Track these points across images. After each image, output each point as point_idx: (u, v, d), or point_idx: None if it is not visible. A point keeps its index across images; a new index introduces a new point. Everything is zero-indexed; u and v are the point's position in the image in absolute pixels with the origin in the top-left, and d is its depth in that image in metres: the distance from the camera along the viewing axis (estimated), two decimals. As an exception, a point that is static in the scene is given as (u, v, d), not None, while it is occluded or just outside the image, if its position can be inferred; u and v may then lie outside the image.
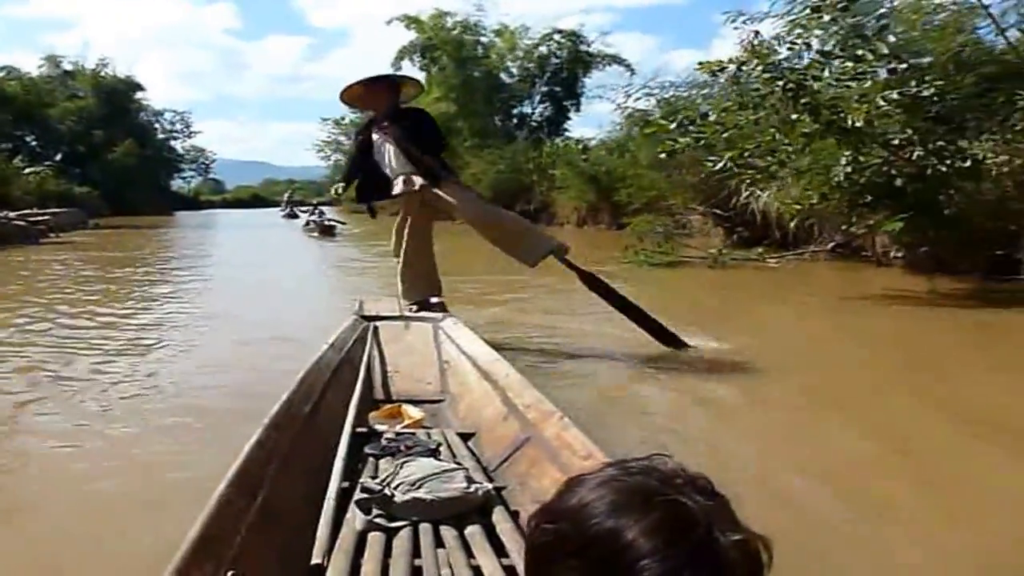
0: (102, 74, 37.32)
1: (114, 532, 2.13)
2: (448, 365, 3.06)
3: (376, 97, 4.10)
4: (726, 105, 6.15)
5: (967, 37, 6.45)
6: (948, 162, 5.57)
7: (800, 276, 8.08)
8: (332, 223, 17.93)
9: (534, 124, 26.47)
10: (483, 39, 26.03)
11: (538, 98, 26.59)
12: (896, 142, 5.90)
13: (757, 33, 6.52)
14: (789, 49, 6.01)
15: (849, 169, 6.00)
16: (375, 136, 4.13)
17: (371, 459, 2.02)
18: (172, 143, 53.43)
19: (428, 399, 2.80)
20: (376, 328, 3.44)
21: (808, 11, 5.94)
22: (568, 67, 25.79)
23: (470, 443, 2.26)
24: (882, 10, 6.34)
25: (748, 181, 7.07)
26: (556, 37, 25.73)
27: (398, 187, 4.11)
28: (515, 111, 26.77)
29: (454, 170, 4.40)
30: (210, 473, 1.52)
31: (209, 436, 2.84)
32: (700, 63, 5.98)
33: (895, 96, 5.63)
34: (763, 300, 6.72)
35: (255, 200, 62.27)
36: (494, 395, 2.44)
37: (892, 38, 5.79)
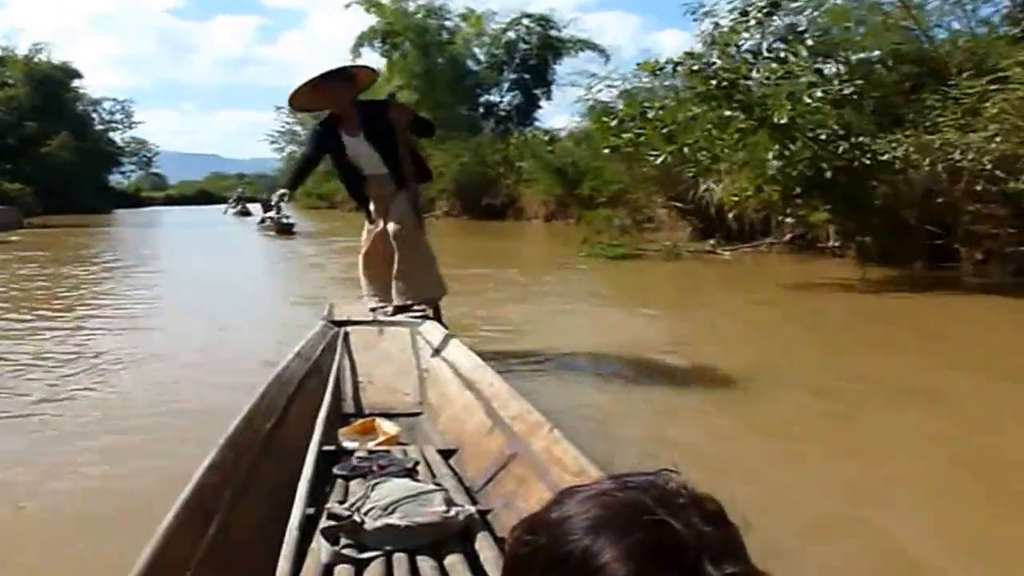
0: (35, 60, 37.26)
1: (51, 561, 2.12)
2: (427, 374, 3.01)
3: (332, 95, 3.86)
4: (663, 103, 6.99)
5: (901, 35, 7.39)
6: (868, 156, 6.50)
7: (746, 268, 9.01)
8: (290, 221, 18.10)
9: (502, 114, 27.31)
10: (448, 23, 26.82)
11: (506, 86, 27.42)
12: (823, 137, 6.82)
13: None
14: (721, 49, 6.89)
15: (780, 163, 6.90)
16: (348, 139, 3.94)
17: (340, 481, 1.97)
18: (111, 135, 53.10)
19: (405, 412, 2.77)
20: (347, 334, 3.37)
21: (737, 15, 6.84)
22: (538, 53, 26.62)
23: (451, 461, 2.22)
24: (805, 14, 7.24)
25: (692, 175, 7.94)
26: (525, 21, 26.54)
27: (371, 187, 4.12)
28: (482, 100, 27.56)
29: (429, 172, 4.28)
30: (161, 498, 1.48)
31: (158, 459, 2.78)
32: (638, 64, 6.82)
33: (819, 94, 6.55)
34: (696, 290, 7.60)
35: (201, 196, 61.88)
36: (477, 406, 2.39)
37: (811, 41, 6.67)
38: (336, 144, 3.99)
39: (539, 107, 27.50)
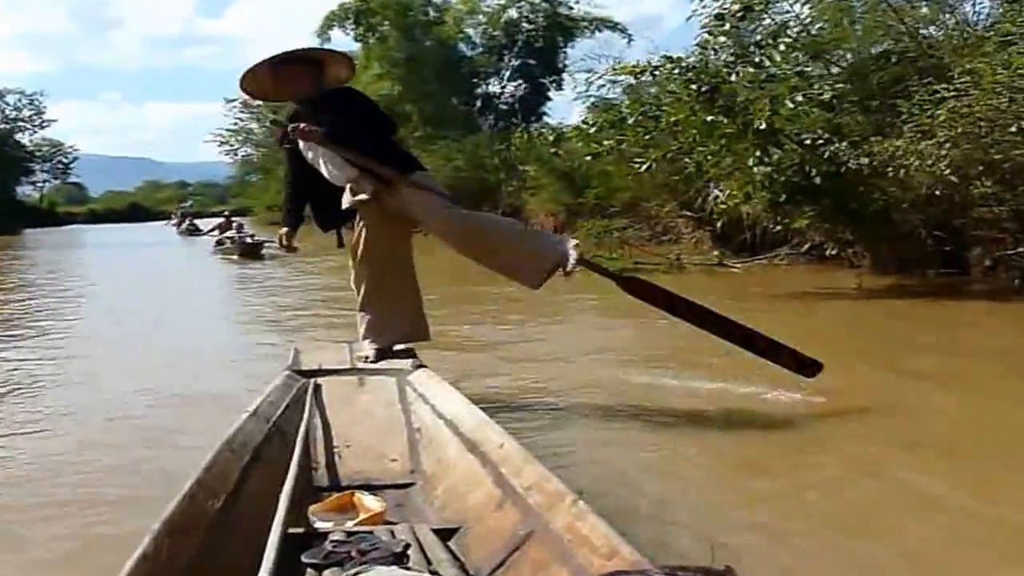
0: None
1: None
2: (420, 434, 3.12)
3: (293, 82, 4.04)
4: (644, 108, 8.90)
5: (891, 34, 9.31)
6: (854, 161, 8.34)
7: (750, 280, 10.81)
8: (258, 240, 18.68)
9: (503, 107, 29.44)
10: (435, 0, 29.04)
11: (508, 74, 29.65)
12: (808, 141, 8.68)
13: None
14: (700, 53, 8.81)
15: (767, 168, 8.76)
16: (302, 142, 4.14)
17: (311, 571, 2.02)
18: (17, 136, 55.38)
19: (392, 483, 2.85)
20: (318, 387, 3.50)
21: (714, 18, 8.76)
22: (545, 34, 28.86)
23: (451, 542, 2.28)
24: (790, 14, 9.19)
25: (685, 182, 9.84)
26: (528, -4, 28.73)
27: (346, 200, 4.22)
28: (478, 91, 29.75)
29: (416, 160, 4.46)
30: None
31: (80, 547, 2.87)
32: (614, 69, 8.77)
33: (799, 98, 8.42)
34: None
35: (134, 212, 63.75)
36: (484, 474, 2.47)
37: (783, 47, 8.56)
38: (293, 145, 4.14)
39: (548, 99, 29.68)
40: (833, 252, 9.89)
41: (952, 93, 7.24)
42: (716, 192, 11.33)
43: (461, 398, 3.18)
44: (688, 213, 13.36)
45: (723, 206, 9.53)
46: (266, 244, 18.11)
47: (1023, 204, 7.72)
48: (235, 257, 18.29)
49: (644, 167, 9.19)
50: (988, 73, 7.07)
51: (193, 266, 18.17)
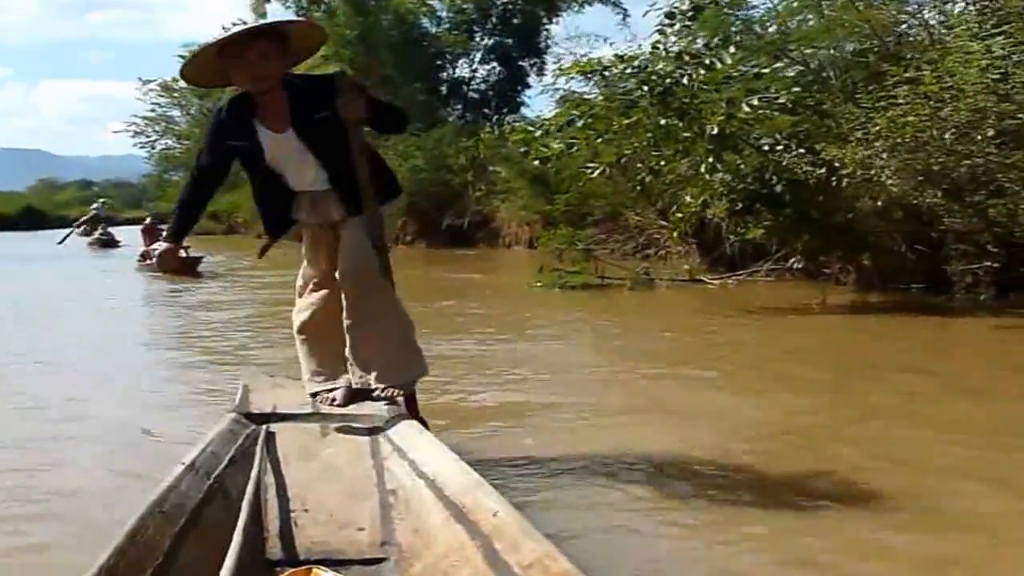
0: None
1: None
2: (395, 498, 3.18)
3: (252, 65, 3.99)
4: (594, 111, 10.61)
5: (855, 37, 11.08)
6: (803, 169, 10.04)
7: (723, 296, 12.50)
8: (197, 255, 19.03)
9: (474, 96, 31.21)
10: (393, -32, 30.79)
11: (479, 56, 31.41)
12: (767, 147, 10.39)
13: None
14: (652, 53, 10.53)
15: (725, 175, 10.47)
16: (267, 134, 4.13)
17: None
18: None
19: (359, 558, 2.93)
20: (271, 435, 3.58)
21: (664, 19, 10.50)
22: (524, 8, 30.73)
23: None
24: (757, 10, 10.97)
25: (640, 190, 11.55)
26: (502, -36, 30.70)
27: (304, 214, 4.32)
28: (444, 76, 31.50)
29: (387, 186, 4.47)
30: None
31: None
32: (560, 70, 10.48)
33: (755, 102, 10.13)
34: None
35: (28, 216, 64.21)
36: (473, 548, 2.54)
37: (733, 48, 10.29)
38: (249, 142, 4.11)
39: (528, 86, 31.44)
40: (799, 266, 11.57)
41: (894, 100, 8.94)
42: (688, 199, 13.08)
43: (446, 453, 3.23)
44: (664, 223, 15.03)
45: (679, 215, 11.21)
46: (202, 259, 18.82)
47: (972, 216, 9.37)
48: (163, 274, 18.78)
49: (596, 172, 10.88)
50: (926, 80, 8.78)
51: (113, 286, 17.94)
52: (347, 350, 4.28)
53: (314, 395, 4.27)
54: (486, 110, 30.18)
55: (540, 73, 31.22)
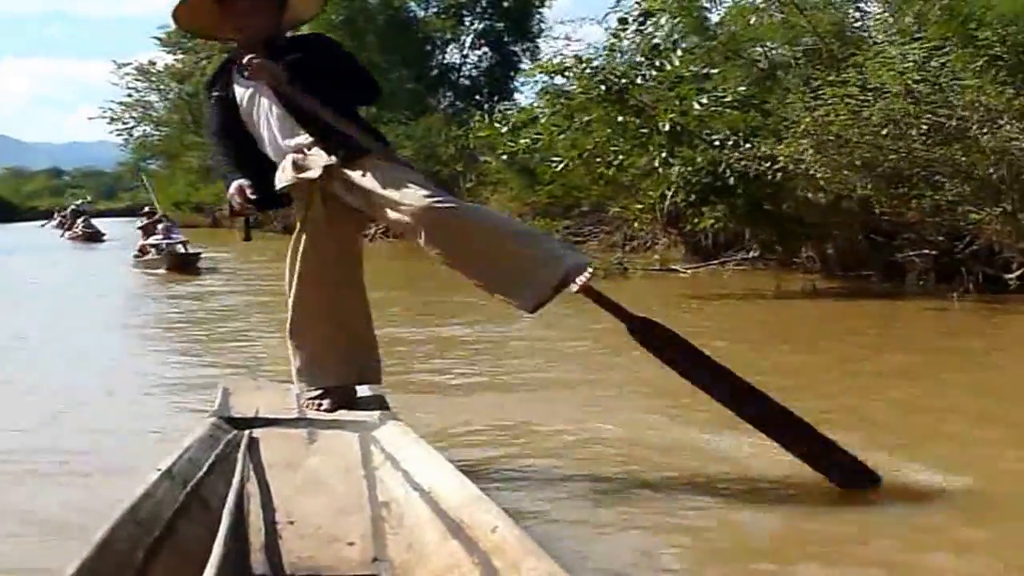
0: None
1: None
2: (387, 511, 3.25)
3: (243, 16, 4.25)
4: (556, 108, 12.49)
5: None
6: (754, 164, 11.88)
7: (692, 284, 14.37)
8: (196, 251, 20.00)
9: (464, 82, 33.06)
10: (381, -53, 32.52)
11: (469, 40, 33.34)
12: (718, 142, 12.24)
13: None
14: (607, 55, 12.42)
15: (681, 168, 12.33)
16: (239, 89, 4.35)
17: None
18: None
19: (349, 575, 2.99)
20: (255, 441, 3.66)
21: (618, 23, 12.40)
22: (515, -8, 32.56)
23: None
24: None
25: (603, 184, 13.45)
26: (492, -54, 32.50)
27: (284, 176, 4.33)
28: (433, 62, 33.31)
29: (383, 137, 4.60)
30: None
31: None
32: (525, 71, 12.36)
33: (705, 100, 11.99)
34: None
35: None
36: (470, 566, 2.60)
37: (680, 51, 12.15)
38: (226, 91, 4.39)
39: (520, 71, 33.07)
40: (756, 254, 13.46)
41: (823, 101, 10.78)
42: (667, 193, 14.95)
43: (443, 463, 3.30)
44: (643, 215, 16.89)
45: (638, 206, 13.09)
46: (200, 255, 19.74)
47: (899, 208, 11.20)
48: (163, 270, 19.17)
49: (560, 166, 12.76)
50: (852, 82, 10.60)
51: (107, 286, 17.81)
52: (318, 347, 4.44)
53: (302, 399, 4.38)
54: (478, 97, 31.74)
55: (534, 58, 32.51)
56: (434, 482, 3.17)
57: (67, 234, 34.59)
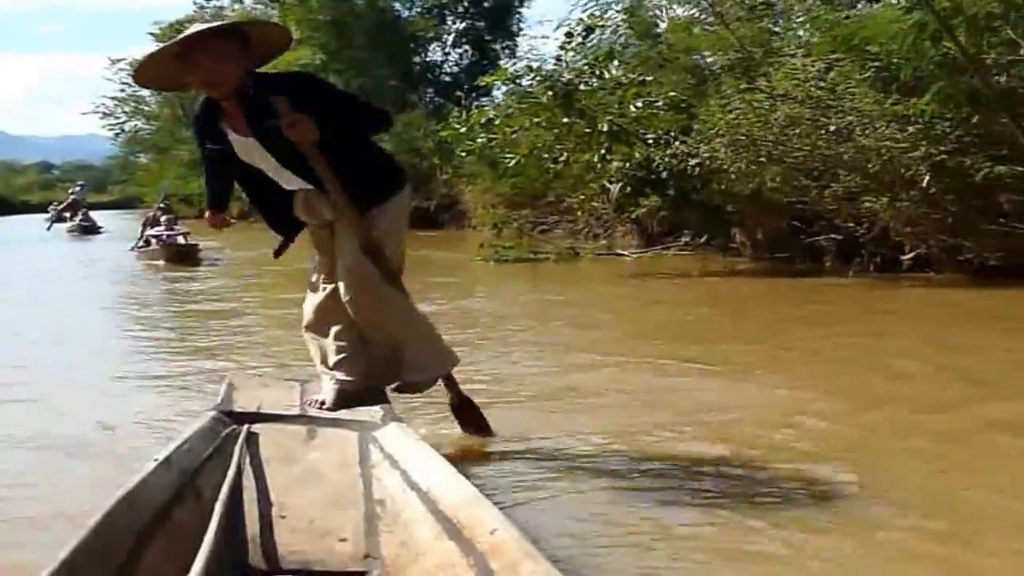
0: None
1: None
2: (382, 508, 3.30)
3: (208, 66, 4.19)
4: (508, 111, 14.36)
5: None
6: (680, 160, 13.74)
7: (630, 265, 16.24)
8: (193, 242, 20.52)
9: (446, 79, 34.92)
10: (367, -50, 34.32)
11: (451, 39, 35.14)
12: (651, 141, 14.12)
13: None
14: (555, 65, 14.31)
15: (619, 163, 14.21)
16: (234, 139, 4.41)
17: None
18: None
19: (339, 570, 3.04)
20: (253, 436, 3.75)
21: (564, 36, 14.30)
22: (495, -8, 34.43)
23: None
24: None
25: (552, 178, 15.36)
26: (473, -51, 34.32)
27: (298, 209, 4.60)
28: (416, 60, 35.15)
29: (395, 173, 4.78)
30: None
31: None
32: (479, 82, 14.23)
33: (639, 104, 13.87)
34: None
35: None
36: (465, 567, 2.61)
37: (619, 61, 14.02)
38: (221, 145, 4.42)
39: (500, 68, 35.00)
40: (695, 240, 15.42)
41: (732, 105, 12.64)
42: (611, 187, 16.80)
43: (443, 464, 3.34)
44: (595, 205, 18.77)
45: (581, 196, 14.98)
46: (199, 247, 20.28)
47: (806, 197, 13.04)
48: (161, 262, 19.71)
49: (513, 163, 14.64)
50: (762, 89, 12.45)
51: (120, 280, 18.12)
52: (350, 347, 4.64)
53: (307, 396, 4.55)
54: (458, 92, 33.45)
55: (513, 56, 34.51)
56: (432, 482, 3.20)
57: (63, 226, 35.12)
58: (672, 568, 3.63)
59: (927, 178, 11.10)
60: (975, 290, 11.35)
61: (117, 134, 62.52)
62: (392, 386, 4.74)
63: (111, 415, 6.17)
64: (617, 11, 15.28)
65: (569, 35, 14.41)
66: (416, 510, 3.10)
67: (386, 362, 4.72)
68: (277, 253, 4.89)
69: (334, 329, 4.66)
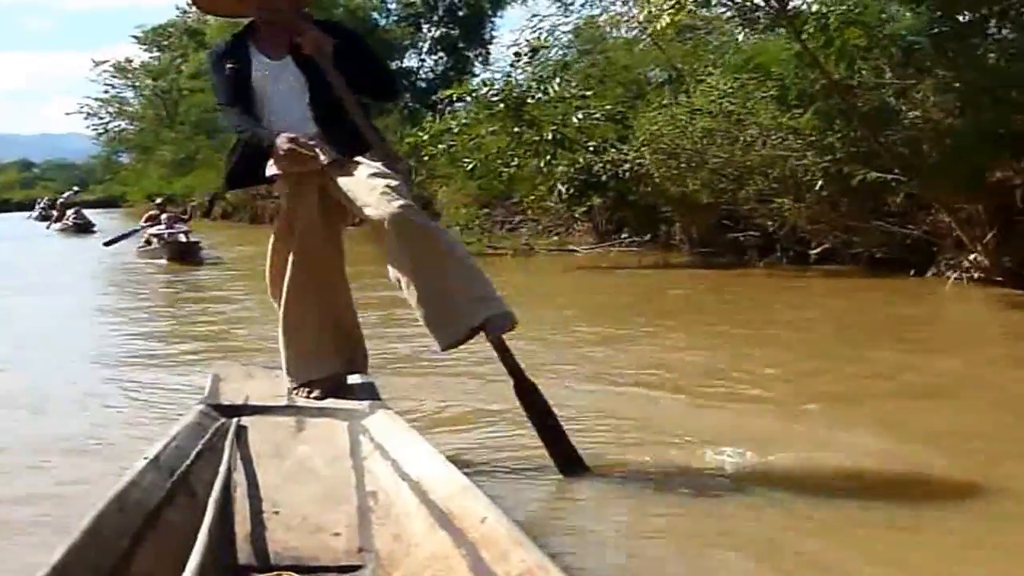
0: None
1: None
2: (375, 501, 3.35)
3: None
4: (465, 121, 16.51)
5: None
6: (613, 165, 15.88)
7: (579, 260, 18.39)
8: (195, 239, 20.61)
9: (422, 84, 37.08)
10: (349, -38, 36.46)
11: (426, 47, 37.34)
12: (592, 148, 16.27)
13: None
14: (505, 80, 16.47)
15: (563, 168, 16.36)
16: (257, 64, 4.54)
17: None
18: None
19: (333, 565, 3.10)
20: (243, 429, 3.78)
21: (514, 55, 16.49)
22: (469, 3, 36.65)
23: None
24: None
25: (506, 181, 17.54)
26: (447, -39, 36.47)
27: (280, 162, 4.53)
28: (394, 66, 37.24)
29: (382, 138, 4.81)
30: None
31: None
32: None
33: (580, 116, 16.02)
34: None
35: None
36: (458, 557, 2.67)
37: (558, 81, 16.18)
38: (240, 64, 4.55)
39: (473, 74, 37.07)
40: (635, 237, 17.67)
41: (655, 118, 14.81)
42: (560, 189, 18.92)
43: (432, 453, 3.42)
44: (549, 205, 20.90)
45: (531, 198, 17.16)
46: (203, 243, 20.71)
47: (723, 198, 15.16)
48: (163, 260, 19.97)
49: (470, 167, 16.78)
50: (682, 103, 14.59)
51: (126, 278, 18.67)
52: (311, 339, 4.61)
53: (292, 387, 4.51)
54: (434, 98, 35.59)
55: (486, 63, 37.37)
56: (423, 472, 3.22)
57: (55, 225, 36.07)
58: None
59: (820, 183, 13.16)
60: (864, 279, 13.63)
61: (100, 133, 64.49)
62: (473, 327, 4.54)
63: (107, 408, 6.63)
64: (564, 32, 17.56)
65: (518, 55, 16.62)
66: (408, 502, 3.17)
67: (342, 349, 4.75)
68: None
69: (307, 316, 4.67)
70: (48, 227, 35.44)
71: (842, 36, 10.91)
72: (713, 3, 12.91)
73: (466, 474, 3.18)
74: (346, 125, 4.49)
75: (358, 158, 4.50)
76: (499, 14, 37.23)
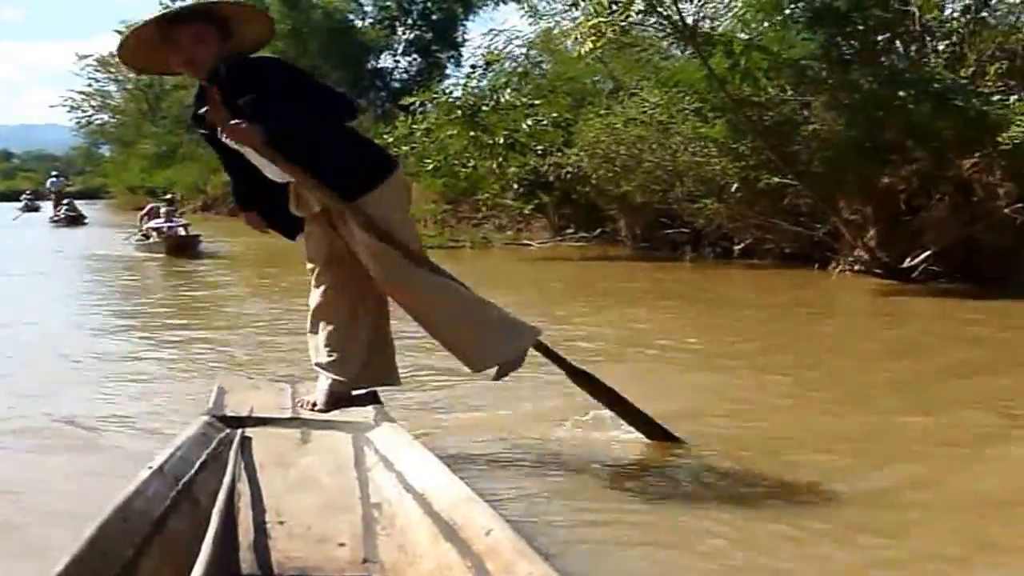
0: None
1: None
2: (379, 512, 3.41)
3: (187, 48, 4.28)
4: (427, 125, 18.54)
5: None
6: (557, 168, 17.88)
7: (531, 252, 20.37)
8: (195, 233, 21.28)
9: (395, 85, 39.00)
10: (323, -32, 38.35)
11: (400, 48, 39.27)
12: (540, 152, 18.28)
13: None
14: (464, 91, 18.52)
15: (514, 169, 18.39)
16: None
17: None
18: None
19: (339, 575, 3.13)
20: (247, 440, 3.84)
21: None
22: (442, 7, 38.60)
23: None
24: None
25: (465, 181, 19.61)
26: (422, -36, 38.35)
27: (291, 203, 4.61)
28: (369, 67, 39.23)
29: (381, 159, 4.75)
30: None
31: None
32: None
33: (529, 123, 18.04)
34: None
35: None
36: (463, 569, 2.73)
37: (508, 90, 18.21)
38: (211, 131, 4.39)
39: (446, 76, 38.93)
40: (584, 232, 19.83)
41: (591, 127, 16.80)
42: (513, 187, 20.89)
43: (438, 465, 3.47)
44: (507, 201, 22.91)
45: (486, 196, 19.22)
46: (200, 238, 21.08)
47: (655, 198, 17.13)
48: (163, 253, 20.19)
49: (431, 167, 18.80)
50: (617, 114, 16.56)
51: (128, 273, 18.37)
52: (341, 347, 4.64)
53: (297, 398, 4.62)
54: (408, 96, 37.42)
55: (458, 65, 39.43)
56: (427, 483, 3.30)
57: (52, 216, 36.18)
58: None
59: (735, 186, 15.08)
60: (775, 271, 15.67)
61: (82, 126, 65.89)
62: (492, 369, 4.79)
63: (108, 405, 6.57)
64: (517, 46, 19.74)
65: (473, 67, 18.70)
66: (412, 513, 3.21)
67: (384, 360, 4.82)
68: (273, 232, 5.00)
69: (327, 329, 4.67)
70: (52, 218, 35.10)
71: (748, 58, 12.80)
72: (630, 31, 14.67)
73: (470, 485, 3.24)
74: (318, 174, 4.40)
75: (354, 209, 4.44)
76: (470, 18, 39.29)
